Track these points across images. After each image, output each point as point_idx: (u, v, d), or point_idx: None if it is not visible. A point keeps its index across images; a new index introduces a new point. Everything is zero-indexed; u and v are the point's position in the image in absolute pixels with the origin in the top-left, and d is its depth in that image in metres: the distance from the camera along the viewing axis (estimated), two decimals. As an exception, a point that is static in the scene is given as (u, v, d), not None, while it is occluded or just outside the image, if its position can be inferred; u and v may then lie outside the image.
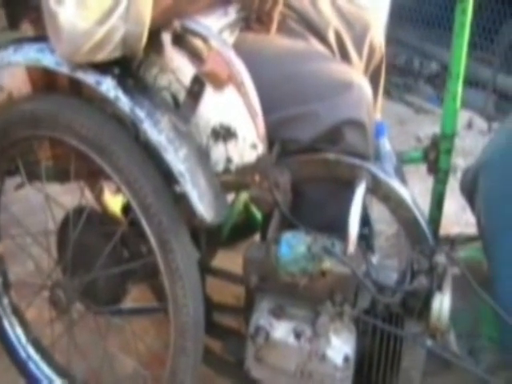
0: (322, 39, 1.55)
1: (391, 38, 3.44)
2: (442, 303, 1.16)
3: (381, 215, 1.42)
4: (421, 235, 1.31)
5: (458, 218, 1.64)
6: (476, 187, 1.48)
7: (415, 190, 1.76)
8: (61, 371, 1.68)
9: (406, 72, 3.28)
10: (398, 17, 3.50)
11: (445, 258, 1.19)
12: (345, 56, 1.58)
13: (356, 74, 1.43)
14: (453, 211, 1.73)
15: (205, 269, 1.46)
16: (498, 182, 1.41)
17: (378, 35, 1.64)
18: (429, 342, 1.18)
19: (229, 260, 1.60)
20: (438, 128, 2.74)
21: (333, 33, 1.57)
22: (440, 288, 1.17)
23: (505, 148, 1.44)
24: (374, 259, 1.33)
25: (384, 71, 1.74)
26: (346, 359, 1.20)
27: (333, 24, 1.57)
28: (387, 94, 3.14)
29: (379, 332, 1.22)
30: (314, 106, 1.32)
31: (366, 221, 1.41)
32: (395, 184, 1.34)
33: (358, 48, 1.60)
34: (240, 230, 1.81)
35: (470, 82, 3.18)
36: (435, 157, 1.48)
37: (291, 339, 1.22)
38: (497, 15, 3.45)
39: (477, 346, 1.31)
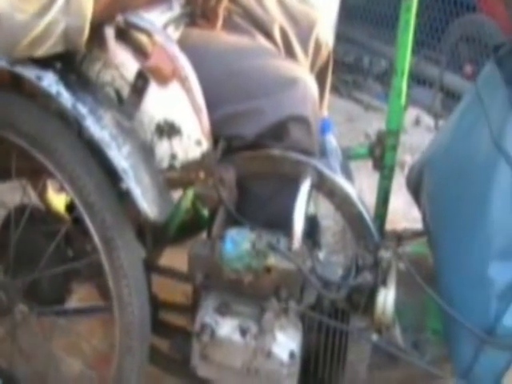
0: (268, 35, 1.55)
1: (341, 36, 3.47)
2: (387, 298, 1.17)
3: (328, 211, 1.43)
4: (366, 231, 1.32)
5: (406, 213, 1.66)
6: (421, 183, 1.51)
7: (363, 185, 1.78)
8: (3, 375, 1.64)
9: (355, 69, 3.32)
10: (347, 15, 3.53)
11: (389, 253, 1.20)
12: (290, 52, 1.58)
13: (301, 71, 1.43)
14: (401, 207, 1.76)
15: (151, 267, 1.44)
16: (441, 178, 1.44)
17: (324, 32, 1.64)
18: (374, 337, 1.20)
19: (177, 258, 1.59)
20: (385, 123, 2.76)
21: (278, 29, 1.57)
22: (384, 283, 1.18)
23: (448, 145, 1.47)
24: (321, 255, 1.33)
25: (331, 68, 1.74)
26: (292, 355, 1.20)
27: (278, 20, 1.57)
28: (336, 91, 3.16)
29: (325, 327, 1.23)
30: (258, 102, 1.32)
31: (312, 217, 1.42)
32: (340, 180, 1.35)
33: (304, 45, 1.60)
34: (188, 227, 1.80)
35: (418, 80, 3.23)
36: (381, 153, 1.49)
37: (237, 336, 1.22)
38: (443, 14, 3.52)
39: (422, 339, 1.33)
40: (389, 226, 1.65)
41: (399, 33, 1.42)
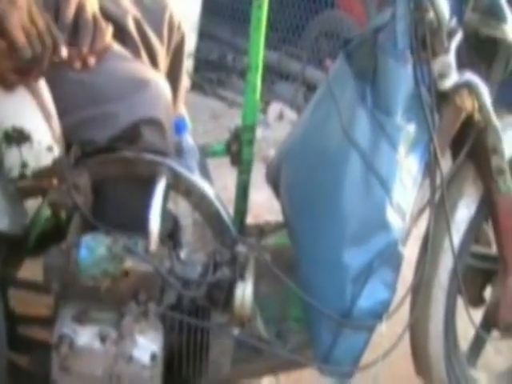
0: (122, 30, 1.53)
1: (204, 34, 3.49)
2: (245, 291, 1.19)
3: (188, 210, 1.43)
4: (223, 227, 1.33)
5: (270, 206, 1.70)
6: (280, 176, 1.54)
7: (228, 181, 1.79)
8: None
9: (219, 67, 3.35)
10: (210, 12, 3.55)
11: (246, 247, 1.22)
12: (145, 42, 1.56)
13: (153, 72, 1.43)
14: (265, 200, 1.79)
15: (8, 281, 1.39)
16: (297, 170, 1.48)
17: (175, 15, 1.63)
18: (235, 331, 1.21)
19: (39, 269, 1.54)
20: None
21: (132, 21, 1.55)
22: (242, 277, 1.20)
23: (303, 137, 1.51)
24: (182, 254, 1.33)
25: (185, 51, 1.74)
26: (154, 357, 1.19)
27: (131, 12, 1.55)
28: (201, 89, 3.18)
29: (186, 326, 1.23)
30: (110, 106, 1.30)
31: (172, 216, 1.42)
32: (196, 179, 1.36)
33: (158, 32, 1.58)
34: (49, 236, 1.74)
35: (281, 76, 3.31)
36: (238, 148, 1.52)
37: (96, 344, 1.20)
38: (303, 11, 3.63)
39: (284, 328, 1.37)
40: (254, 219, 1.68)
41: (252, 30, 1.45)
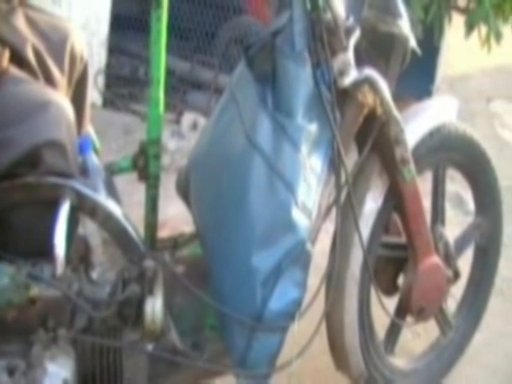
0: (20, 57, 1.50)
1: (114, 49, 3.46)
2: (155, 306, 1.19)
3: (97, 229, 1.41)
4: (132, 244, 1.32)
5: (187, 217, 1.69)
6: (189, 186, 1.55)
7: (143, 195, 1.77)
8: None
9: (131, 81, 3.32)
10: (120, 26, 3.52)
11: (154, 261, 1.22)
12: (45, 72, 1.54)
13: (53, 93, 1.41)
14: (182, 210, 1.79)
15: None
16: (204, 178, 1.49)
17: (78, 43, 1.60)
18: (149, 347, 1.21)
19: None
20: (165, 132, 2.79)
21: (31, 49, 1.52)
22: (151, 292, 1.19)
23: (208, 145, 1.52)
24: (94, 274, 1.32)
25: (89, 80, 1.71)
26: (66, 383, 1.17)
27: (30, 40, 1.52)
28: (113, 105, 3.15)
29: (98, 348, 1.22)
30: (9, 131, 1.28)
31: (82, 237, 1.40)
32: (101, 198, 1.35)
33: (59, 61, 1.55)
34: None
35: (194, 85, 3.31)
36: (144, 163, 1.51)
37: (4, 378, 1.16)
38: (213, 19, 3.63)
39: (201, 338, 1.37)
40: (170, 231, 1.67)
41: (152, 43, 1.44)
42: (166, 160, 2.59)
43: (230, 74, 1.56)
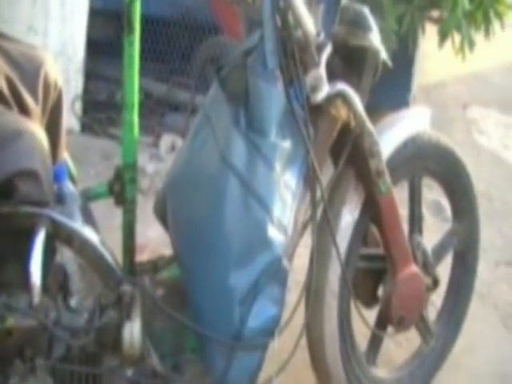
0: None
1: (91, 74, 3.46)
2: (133, 331, 1.19)
3: (74, 256, 1.41)
4: (109, 269, 1.32)
5: (167, 239, 1.69)
6: (166, 208, 1.55)
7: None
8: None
9: (108, 106, 3.32)
10: (96, 51, 3.52)
11: (130, 286, 1.21)
12: (19, 101, 1.54)
13: (26, 122, 1.41)
14: (162, 233, 1.79)
15: None
16: (180, 200, 1.49)
17: (52, 71, 1.60)
18: (129, 372, 1.20)
19: None
20: (143, 155, 2.79)
21: (4, 80, 1.52)
22: (129, 317, 1.19)
23: (184, 166, 1.53)
24: (72, 302, 1.31)
25: (64, 108, 1.71)
26: (46, 414, 1.16)
27: (3, 70, 1.52)
28: (91, 130, 3.15)
29: (77, 376, 1.21)
30: None
31: (59, 265, 1.40)
32: (77, 225, 1.35)
33: (32, 90, 1.55)
34: None
35: (171, 107, 3.32)
36: (120, 188, 1.51)
37: (-18, 412, 1.16)
38: (188, 41, 3.65)
39: (181, 360, 1.36)
40: (150, 254, 1.67)
41: (125, 68, 1.45)
42: (144, 183, 2.60)
43: (206, 94, 1.57)
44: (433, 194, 2.66)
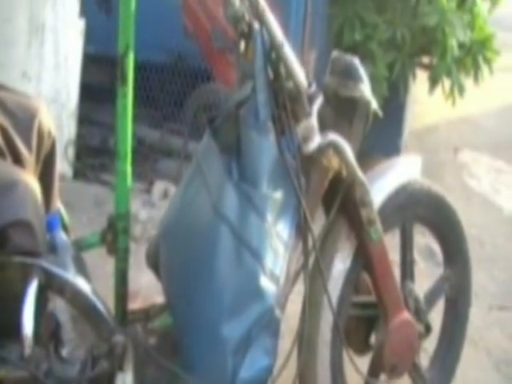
0: None
1: (84, 120, 3.48)
2: (125, 382, 1.18)
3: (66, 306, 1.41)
4: (101, 319, 1.32)
5: (160, 288, 1.69)
6: (158, 256, 1.55)
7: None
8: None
9: (101, 152, 3.34)
10: (89, 97, 3.54)
11: (123, 336, 1.21)
12: (12, 151, 1.55)
13: (20, 172, 1.42)
14: (155, 281, 1.78)
15: None
16: (172, 249, 1.50)
17: (46, 120, 1.61)
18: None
19: None
20: (136, 202, 2.78)
21: None
22: (121, 367, 1.19)
23: (176, 216, 1.54)
24: (64, 352, 1.31)
25: (57, 156, 1.72)
26: None
27: None
28: (83, 176, 3.15)
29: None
30: None
31: (51, 315, 1.39)
32: (69, 275, 1.35)
33: (26, 139, 1.56)
34: None
35: (164, 153, 3.33)
36: (113, 238, 1.51)
37: None
38: (181, 88, 3.68)
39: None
40: (143, 302, 1.66)
41: (118, 118, 1.46)
42: (137, 230, 2.59)
43: (199, 141, 1.58)
44: (425, 238, 2.66)
